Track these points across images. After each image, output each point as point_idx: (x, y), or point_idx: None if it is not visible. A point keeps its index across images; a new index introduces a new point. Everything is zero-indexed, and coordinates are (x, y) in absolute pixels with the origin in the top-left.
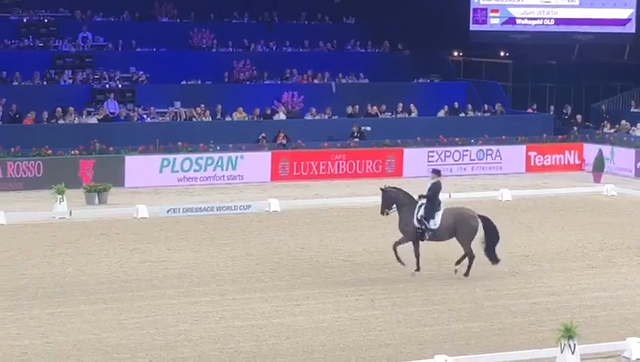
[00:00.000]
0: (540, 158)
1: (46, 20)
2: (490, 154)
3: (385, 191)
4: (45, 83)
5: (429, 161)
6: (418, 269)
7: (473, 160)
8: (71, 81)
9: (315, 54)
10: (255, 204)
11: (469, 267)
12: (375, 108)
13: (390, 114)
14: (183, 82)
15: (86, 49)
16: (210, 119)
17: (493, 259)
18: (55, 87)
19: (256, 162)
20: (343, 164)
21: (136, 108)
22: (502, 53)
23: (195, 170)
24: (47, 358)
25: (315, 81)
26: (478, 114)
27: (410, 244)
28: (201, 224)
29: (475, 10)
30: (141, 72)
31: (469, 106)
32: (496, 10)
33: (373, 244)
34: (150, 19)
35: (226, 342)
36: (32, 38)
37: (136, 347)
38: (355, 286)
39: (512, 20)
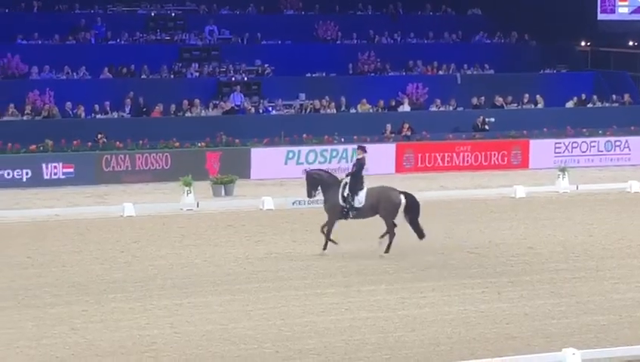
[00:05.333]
0: None
1: (173, 14)
2: (619, 146)
3: (308, 174)
4: (172, 76)
5: (555, 153)
6: (325, 249)
7: (601, 151)
8: (197, 74)
9: (439, 45)
10: None
11: (389, 245)
12: (501, 99)
13: (516, 105)
14: (308, 74)
15: (212, 42)
16: (335, 111)
17: (419, 232)
18: (182, 80)
19: (381, 154)
20: (467, 155)
21: (261, 101)
22: (630, 43)
23: (319, 162)
24: (175, 348)
25: (440, 73)
26: (606, 104)
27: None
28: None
29: None
30: (266, 65)
31: (597, 97)
32: None
33: (499, 236)
34: (275, 12)
35: (352, 333)
36: (159, 32)
37: (262, 337)
38: (481, 279)
39: None
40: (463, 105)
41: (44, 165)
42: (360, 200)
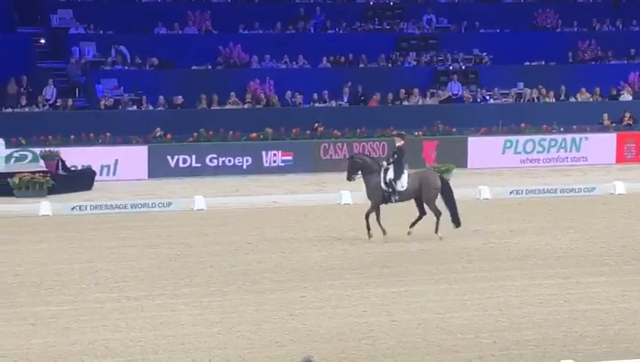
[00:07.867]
0: None
1: (391, 3)
2: None
3: (352, 159)
4: (390, 65)
5: None
6: (384, 233)
7: None
8: (415, 62)
9: None
10: (599, 186)
11: (437, 224)
12: None
13: None
14: (527, 63)
15: (430, 31)
16: (554, 100)
17: (456, 221)
18: (399, 69)
19: (601, 144)
20: None
21: (479, 90)
22: None
23: (537, 152)
24: (392, 336)
25: None
26: None
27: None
28: (543, 206)
29: None
30: (484, 53)
31: None
32: None
33: None
34: (494, 0)
35: (571, 325)
36: (377, 21)
37: (479, 328)
38: None
39: None
40: None
41: (263, 153)
42: (402, 184)
